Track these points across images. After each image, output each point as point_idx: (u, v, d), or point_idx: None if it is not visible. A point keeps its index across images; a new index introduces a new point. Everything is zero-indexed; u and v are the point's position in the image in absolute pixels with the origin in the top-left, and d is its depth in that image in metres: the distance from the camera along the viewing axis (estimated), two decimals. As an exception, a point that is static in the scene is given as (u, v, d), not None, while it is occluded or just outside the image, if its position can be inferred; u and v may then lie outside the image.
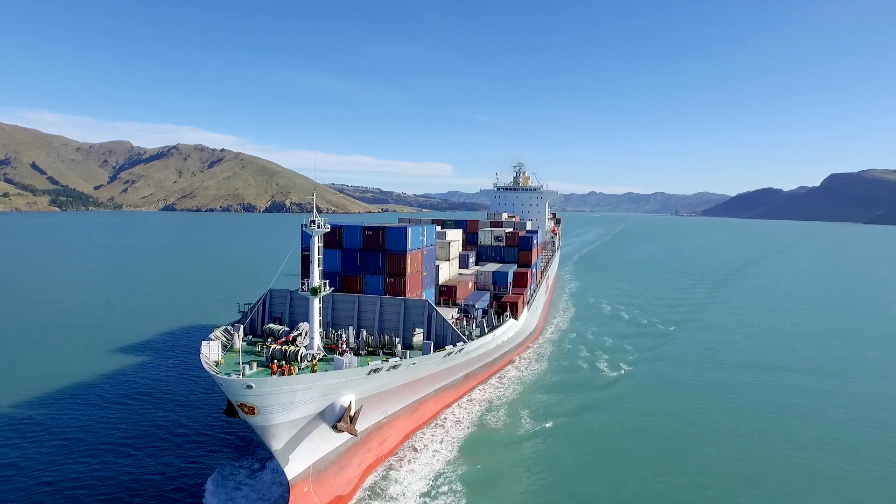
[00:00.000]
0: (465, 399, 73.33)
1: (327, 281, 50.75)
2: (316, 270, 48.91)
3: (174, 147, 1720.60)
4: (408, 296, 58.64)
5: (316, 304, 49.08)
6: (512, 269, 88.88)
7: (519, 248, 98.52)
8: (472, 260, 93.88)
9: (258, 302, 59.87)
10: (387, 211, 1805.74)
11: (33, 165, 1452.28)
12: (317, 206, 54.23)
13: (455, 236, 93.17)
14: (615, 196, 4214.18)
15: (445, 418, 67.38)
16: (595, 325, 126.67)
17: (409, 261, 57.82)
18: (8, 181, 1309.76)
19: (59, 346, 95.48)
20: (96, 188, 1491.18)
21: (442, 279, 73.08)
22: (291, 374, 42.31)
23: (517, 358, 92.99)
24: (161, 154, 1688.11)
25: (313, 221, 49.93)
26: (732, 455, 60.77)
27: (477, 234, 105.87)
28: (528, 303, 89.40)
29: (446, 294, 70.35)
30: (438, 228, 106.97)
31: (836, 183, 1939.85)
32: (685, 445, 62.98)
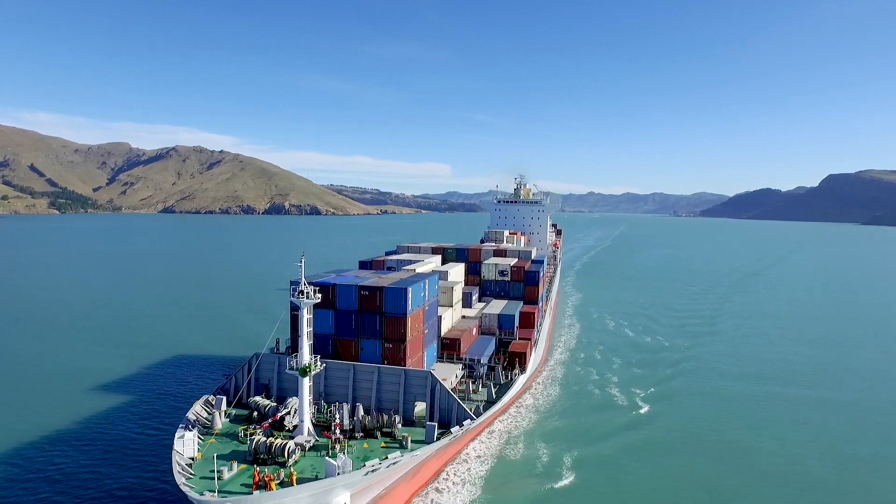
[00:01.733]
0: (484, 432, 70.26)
1: (318, 357, 46.11)
2: (305, 346, 44.34)
3: (173, 149, 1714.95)
4: (408, 362, 53.78)
5: (306, 383, 44.47)
6: (518, 309, 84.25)
7: (525, 283, 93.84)
8: (475, 297, 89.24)
9: (244, 367, 55.06)
10: (386, 212, 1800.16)
11: (32, 167, 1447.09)
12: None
13: (457, 274, 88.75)
14: (614, 196, 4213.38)
15: (468, 453, 64.95)
16: (601, 344, 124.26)
17: (409, 324, 52.64)
18: (7, 183, 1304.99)
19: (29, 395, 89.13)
20: (95, 190, 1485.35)
21: (444, 329, 68.37)
22: (287, 475, 37.57)
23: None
24: (160, 156, 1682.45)
25: (302, 291, 44.96)
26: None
27: (480, 264, 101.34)
28: (536, 342, 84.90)
29: (449, 347, 65.67)
30: (440, 265, 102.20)
31: (834, 183, 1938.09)
32: (709, 479, 61.52)
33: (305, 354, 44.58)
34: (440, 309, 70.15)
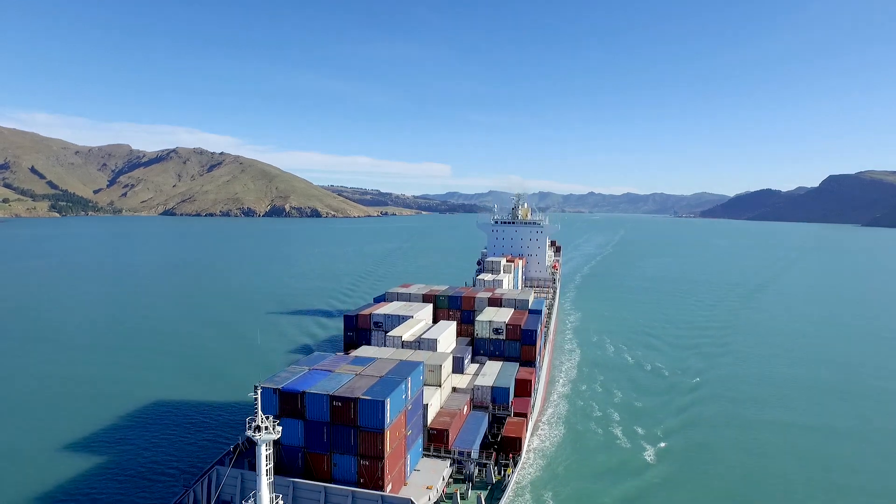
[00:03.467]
0: None
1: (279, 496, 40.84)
2: (264, 488, 39.11)
3: (173, 150, 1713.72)
4: (387, 485, 48.23)
5: None
6: (513, 376, 79.09)
7: (521, 343, 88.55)
8: (467, 360, 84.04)
9: (202, 481, 49.85)
10: (386, 214, 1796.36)
11: (32, 170, 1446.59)
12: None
13: (449, 336, 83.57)
14: (614, 197, 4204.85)
15: None
16: (602, 376, 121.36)
17: (387, 438, 46.95)
18: (7, 186, 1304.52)
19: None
20: (96, 192, 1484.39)
21: (431, 415, 63.00)
22: None
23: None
24: (160, 158, 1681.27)
25: (258, 427, 39.55)
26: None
27: (473, 315, 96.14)
28: (533, 406, 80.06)
29: (436, 439, 60.40)
30: (431, 320, 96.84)
31: (834, 184, 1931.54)
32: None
33: (265, 499, 39.54)
34: (427, 392, 64.98)
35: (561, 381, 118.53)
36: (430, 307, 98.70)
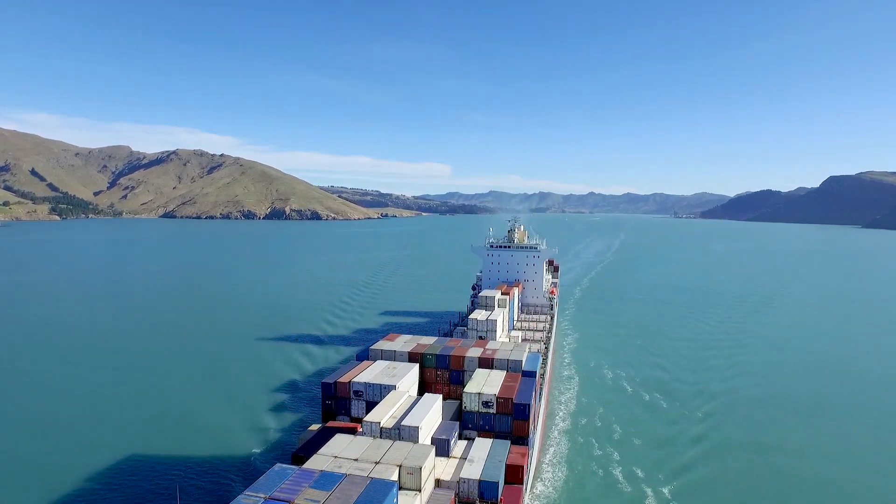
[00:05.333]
0: None
1: None
2: None
3: (173, 152, 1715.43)
4: None
5: None
6: (503, 461, 77.66)
7: (513, 417, 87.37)
8: (453, 441, 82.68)
9: None
10: (386, 216, 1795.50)
11: (33, 172, 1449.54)
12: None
13: (433, 417, 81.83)
14: (614, 197, 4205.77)
15: None
16: (604, 419, 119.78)
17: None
18: (8, 188, 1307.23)
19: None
20: (96, 194, 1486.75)
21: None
22: None
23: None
24: (161, 159, 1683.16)
25: None
26: None
27: (462, 377, 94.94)
28: (525, 488, 79.46)
29: None
30: (417, 384, 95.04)
31: (834, 185, 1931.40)
32: None
33: None
34: (404, 500, 63.91)
35: (560, 413, 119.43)
36: (416, 369, 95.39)
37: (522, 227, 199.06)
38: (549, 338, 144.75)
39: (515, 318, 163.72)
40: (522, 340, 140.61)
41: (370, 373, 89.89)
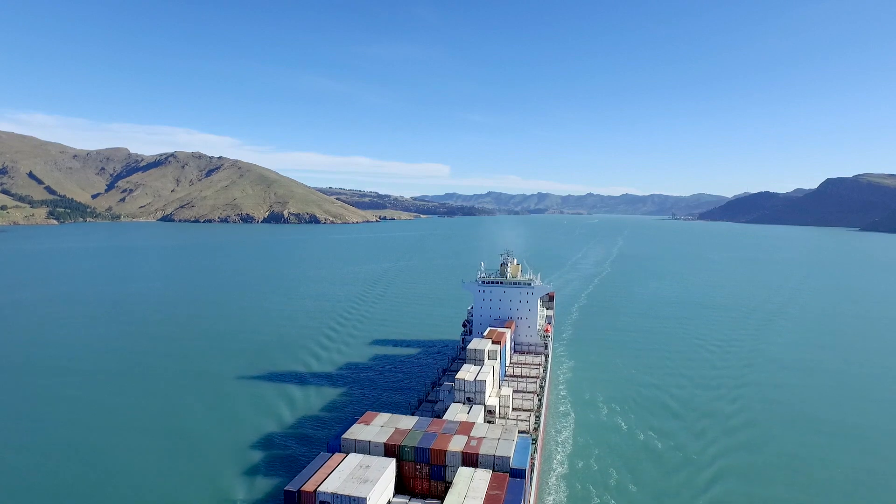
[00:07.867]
0: None
1: None
2: None
3: (172, 154, 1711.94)
4: None
5: None
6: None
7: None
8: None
9: None
10: (385, 218, 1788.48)
11: (31, 175, 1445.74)
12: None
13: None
14: (613, 198, 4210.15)
15: None
16: (601, 451, 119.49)
17: None
18: (6, 192, 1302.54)
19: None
20: (94, 197, 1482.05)
21: None
22: None
23: None
24: (159, 162, 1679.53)
25: None
26: None
27: (444, 471, 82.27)
28: None
29: None
30: (394, 481, 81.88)
31: (832, 187, 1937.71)
32: None
33: None
34: None
35: (557, 457, 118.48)
36: (392, 465, 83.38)
37: (516, 260, 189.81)
38: (542, 386, 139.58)
39: (508, 362, 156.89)
40: (513, 411, 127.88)
41: (339, 475, 78.03)
